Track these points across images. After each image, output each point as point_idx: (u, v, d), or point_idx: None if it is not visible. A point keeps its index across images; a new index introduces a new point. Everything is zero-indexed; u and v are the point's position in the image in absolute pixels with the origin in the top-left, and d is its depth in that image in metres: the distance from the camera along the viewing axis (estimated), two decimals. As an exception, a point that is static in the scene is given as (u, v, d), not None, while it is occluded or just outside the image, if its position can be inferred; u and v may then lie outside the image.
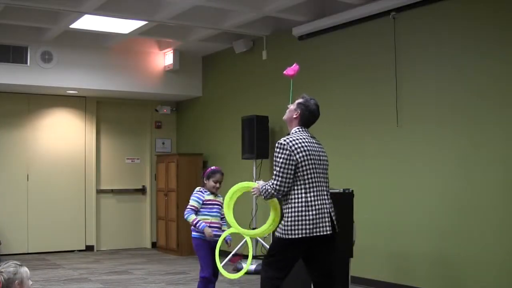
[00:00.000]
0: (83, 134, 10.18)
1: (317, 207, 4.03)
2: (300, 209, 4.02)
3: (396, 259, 6.50)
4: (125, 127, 10.58)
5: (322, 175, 4.15)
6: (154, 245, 10.51)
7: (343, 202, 5.21)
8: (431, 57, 6.23)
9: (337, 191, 5.31)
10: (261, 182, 4.25)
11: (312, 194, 4.05)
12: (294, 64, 4.73)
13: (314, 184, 4.07)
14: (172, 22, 7.91)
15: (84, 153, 10.15)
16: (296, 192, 4.06)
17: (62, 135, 10.01)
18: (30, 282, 2.88)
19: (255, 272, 7.05)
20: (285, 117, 4.31)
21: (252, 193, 4.33)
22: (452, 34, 6.03)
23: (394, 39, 6.53)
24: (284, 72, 4.72)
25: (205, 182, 5.30)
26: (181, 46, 9.41)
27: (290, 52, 7.98)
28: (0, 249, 9.14)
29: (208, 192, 5.28)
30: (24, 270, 2.86)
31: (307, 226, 3.99)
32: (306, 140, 4.14)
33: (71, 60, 9.07)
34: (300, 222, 4.00)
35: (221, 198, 5.35)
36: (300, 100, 4.27)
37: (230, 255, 7.92)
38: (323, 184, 4.14)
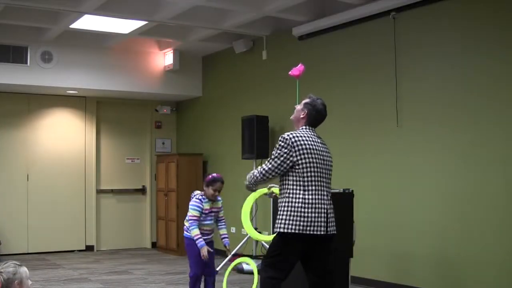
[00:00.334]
0: (83, 134, 10.18)
1: (313, 206, 4.02)
2: (296, 205, 4.02)
3: (396, 259, 6.50)
4: (125, 127, 10.58)
5: (324, 175, 4.14)
6: (154, 245, 10.51)
7: (343, 202, 5.21)
8: (431, 57, 6.22)
9: (337, 191, 5.30)
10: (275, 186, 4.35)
11: (310, 193, 4.04)
12: (299, 64, 4.72)
13: (313, 183, 4.06)
14: (172, 22, 7.91)
15: (84, 153, 10.14)
16: (294, 189, 4.06)
17: (62, 135, 10.00)
18: (30, 282, 2.88)
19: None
20: (292, 117, 4.33)
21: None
22: (452, 34, 6.02)
23: (394, 39, 6.53)
24: (290, 72, 4.71)
25: (204, 188, 5.30)
26: (181, 46, 9.41)
27: (290, 52, 7.97)
28: (0, 249, 9.14)
29: (207, 200, 5.28)
30: (24, 270, 2.86)
31: (302, 223, 3.99)
32: (311, 138, 4.14)
33: (71, 60, 9.06)
34: (295, 218, 4.00)
35: (220, 202, 5.37)
36: (307, 100, 4.27)
37: (230, 255, 7.89)
38: (324, 185, 4.13)
